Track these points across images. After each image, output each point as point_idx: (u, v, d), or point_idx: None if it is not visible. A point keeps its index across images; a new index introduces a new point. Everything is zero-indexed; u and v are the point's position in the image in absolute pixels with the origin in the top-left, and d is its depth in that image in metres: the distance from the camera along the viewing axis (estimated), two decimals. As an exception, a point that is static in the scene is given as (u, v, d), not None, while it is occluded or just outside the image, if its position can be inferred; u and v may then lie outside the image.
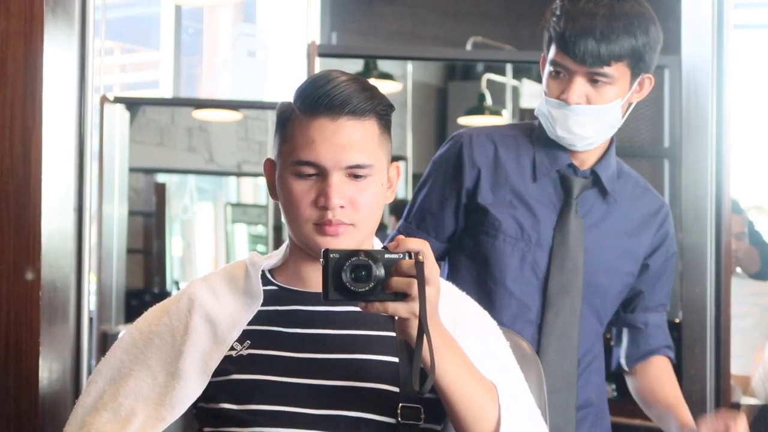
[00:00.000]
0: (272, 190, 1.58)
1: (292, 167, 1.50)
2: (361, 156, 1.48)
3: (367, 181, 1.50)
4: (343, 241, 1.49)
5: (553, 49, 1.92)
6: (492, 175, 2.02)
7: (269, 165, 1.58)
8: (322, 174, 1.48)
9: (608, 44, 1.86)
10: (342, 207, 1.48)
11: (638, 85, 1.95)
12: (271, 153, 1.60)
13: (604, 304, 2.02)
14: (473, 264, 2.01)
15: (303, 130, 1.49)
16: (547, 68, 1.95)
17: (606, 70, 1.88)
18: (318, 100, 1.48)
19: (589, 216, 2.00)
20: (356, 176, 1.49)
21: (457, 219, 2.04)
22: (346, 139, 1.48)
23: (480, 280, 2.00)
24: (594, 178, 2.01)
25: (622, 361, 2.12)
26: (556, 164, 2.00)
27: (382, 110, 1.52)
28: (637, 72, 1.92)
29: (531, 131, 2.05)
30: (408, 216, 2.09)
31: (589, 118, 1.91)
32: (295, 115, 1.51)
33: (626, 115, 1.99)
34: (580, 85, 1.89)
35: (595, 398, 2.06)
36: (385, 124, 1.53)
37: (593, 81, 1.89)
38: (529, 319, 1.97)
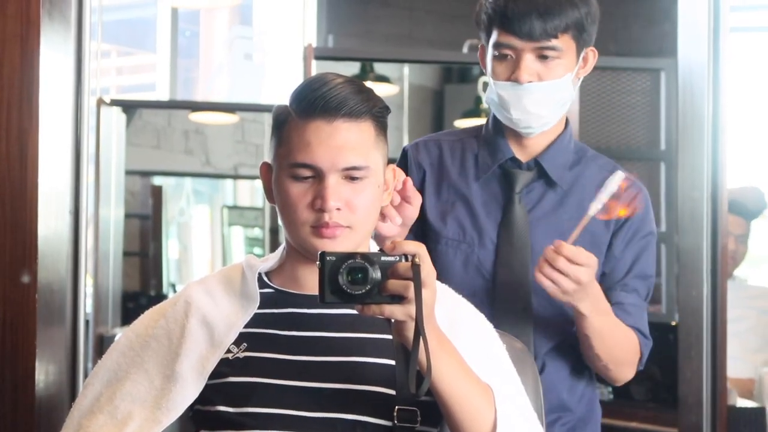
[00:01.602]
0: (269, 193, 1.58)
1: (288, 170, 1.50)
2: (357, 158, 1.48)
3: (364, 183, 1.50)
4: (340, 243, 1.49)
5: (495, 32, 1.90)
6: (436, 178, 2.01)
7: (265, 168, 1.58)
8: (318, 176, 1.49)
9: (552, 17, 1.85)
10: (338, 209, 1.48)
11: (582, 60, 1.94)
12: (267, 156, 1.60)
13: None
14: None
15: (299, 133, 1.49)
16: (491, 52, 1.93)
17: (554, 43, 1.86)
18: (314, 102, 1.48)
19: (538, 208, 1.97)
20: (352, 178, 1.49)
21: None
22: (342, 141, 1.48)
23: None
24: (539, 170, 1.97)
25: None
26: (497, 159, 1.98)
27: (378, 112, 1.52)
28: (581, 45, 1.91)
29: (479, 132, 2.04)
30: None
31: (543, 95, 1.89)
32: (291, 118, 1.51)
33: (575, 90, 1.97)
34: (529, 63, 1.87)
35: (572, 403, 1.99)
36: (381, 126, 1.54)
37: (542, 57, 1.88)
38: None
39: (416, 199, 1.79)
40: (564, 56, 1.89)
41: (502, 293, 1.94)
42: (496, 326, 1.89)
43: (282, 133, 1.52)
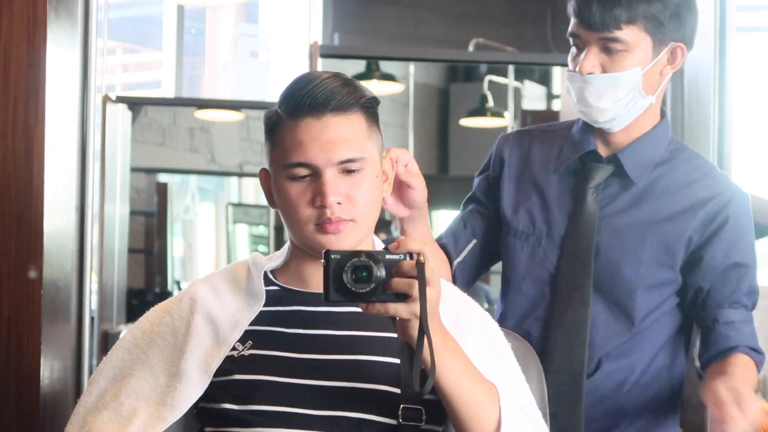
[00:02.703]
0: (270, 198, 1.58)
1: (284, 171, 1.50)
2: (350, 150, 1.48)
3: (361, 174, 1.50)
4: (344, 237, 1.49)
5: (571, 22, 1.85)
6: (518, 170, 1.97)
7: (264, 174, 1.58)
8: (315, 174, 1.48)
9: (614, 7, 1.77)
10: (339, 203, 1.48)
11: (669, 54, 1.84)
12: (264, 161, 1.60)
13: (632, 299, 1.86)
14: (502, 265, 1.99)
15: (291, 133, 1.49)
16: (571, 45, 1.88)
17: (617, 34, 1.78)
18: (301, 101, 1.48)
19: (611, 206, 1.89)
20: (349, 171, 1.49)
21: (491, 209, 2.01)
22: (334, 136, 1.48)
23: (502, 279, 1.99)
24: (617, 166, 1.89)
25: (697, 364, 1.90)
26: (577, 151, 1.91)
27: (366, 103, 1.51)
28: (661, 39, 1.82)
29: (574, 124, 1.98)
30: (465, 202, 2.08)
31: (602, 88, 1.81)
32: (282, 120, 1.51)
33: (660, 91, 1.88)
34: (593, 55, 1.81)
35: (634, 414, 1.89)
36: (372, 117, 1.53)
37: (608, 50, 1.80)
38: (538, 315, 1.90)
39: (416, 181, 1.76)
40: (633, 50, 1.80)
41: (563, 288, 1.88)
42: (552, 320, 1.87)
43: (274, 136, 1.52)
